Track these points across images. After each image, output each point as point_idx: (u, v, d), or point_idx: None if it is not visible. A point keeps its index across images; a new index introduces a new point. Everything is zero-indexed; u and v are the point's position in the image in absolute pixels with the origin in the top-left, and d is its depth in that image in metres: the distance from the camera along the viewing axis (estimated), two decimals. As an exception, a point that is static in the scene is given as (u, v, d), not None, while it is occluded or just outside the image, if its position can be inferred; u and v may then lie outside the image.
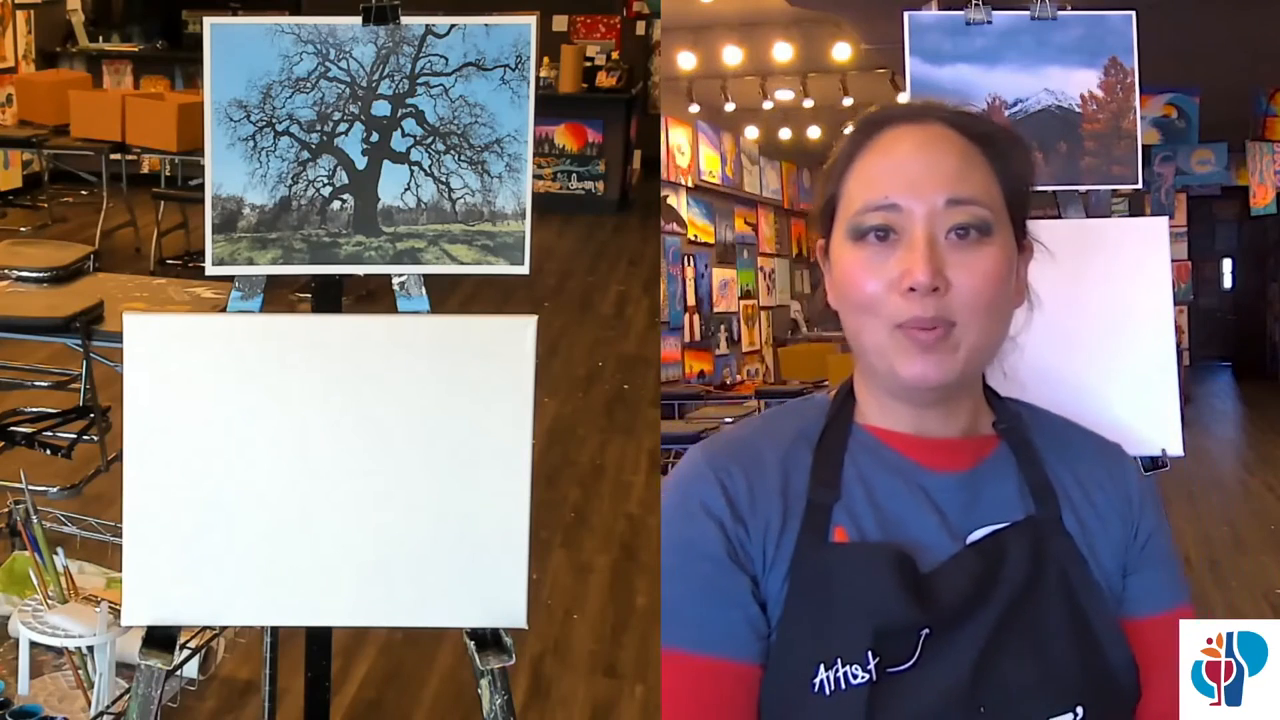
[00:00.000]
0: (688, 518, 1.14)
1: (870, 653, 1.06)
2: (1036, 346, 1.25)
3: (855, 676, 1.06)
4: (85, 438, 3.34)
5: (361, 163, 1.78)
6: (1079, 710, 1.09)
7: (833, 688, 1.06)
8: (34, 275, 3.38)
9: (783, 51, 8.22)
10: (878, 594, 1.08)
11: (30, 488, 2.62)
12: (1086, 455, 1.23)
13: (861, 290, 1.12)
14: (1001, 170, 1.15)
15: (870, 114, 1.19)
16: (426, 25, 1.76)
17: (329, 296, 1.89)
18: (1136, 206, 7.74)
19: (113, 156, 6.99)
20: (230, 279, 1.80)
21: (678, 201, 10.13)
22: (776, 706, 1.09)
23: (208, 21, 1.73)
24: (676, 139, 9.97)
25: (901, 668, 1.07)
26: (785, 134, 11.28)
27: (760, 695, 1.10)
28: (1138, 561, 1.20)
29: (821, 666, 1.07)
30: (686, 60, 8.52)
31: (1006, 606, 1.10)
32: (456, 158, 1.79)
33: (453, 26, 1.76)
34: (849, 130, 1.19)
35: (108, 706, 2.47)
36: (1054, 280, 1.25)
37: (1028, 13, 1.96)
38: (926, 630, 1.08)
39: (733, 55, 8.28)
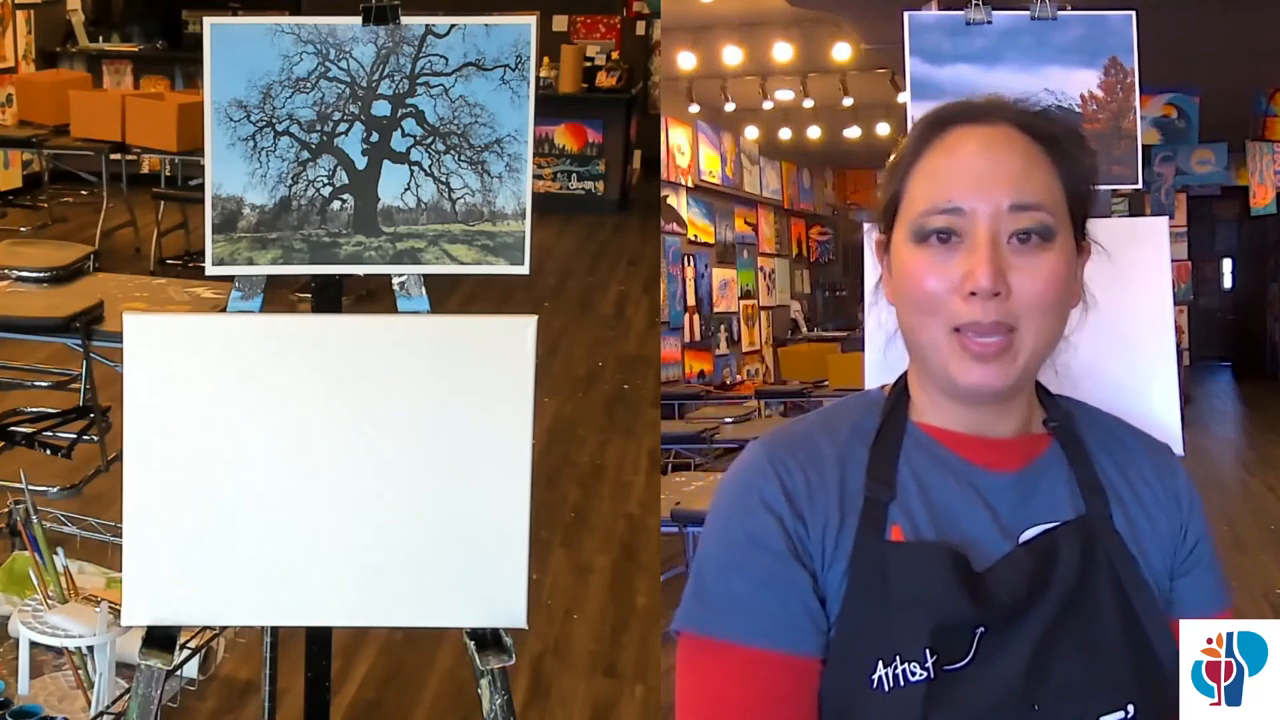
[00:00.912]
0: (747, 512, 1.14)
1: (928, 650, 1.07)
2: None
3: (914, 674, 1.06)
4: (85, 438, 3.34)
5: (361, 163, 1.78)
6: (1130, 709, 1.10)
7: (891, 684, 1.07)
8: (34, 275, 3.38)
9: (783, 51, 8.23)
10: (935, 592, 1.08)
11: (30, 488, 2.62)
12: (1136, 454, 1.24)
13: (922, 290, 1.12)
14: (1065, 172, 1.15)
15: (936, 111, 1.18)
16: (426, 25, 1.76)
17: (329, 296, 1.89)
18: (1136, 206, 7.75)
19: (113, 156, 6.99)
20: (230, 279, 1.80)
21: (678, 201, 10.14)
22: (835, 702, 1.09)
23: (208, 21, 1.73)
24: (676, 139, 9.98)
25: (957, 665, 1.08)
26: (785, 134, 11.30)
27: (819, 690, 1.10)
28: (1185, 564, 1.20)
29: (880, 663, 1.07)
30: (686, 60, 8.52)
31: (1060, 606, 1.11)
32: (456, 158, 1.79)
33: (453, 26, 1.76)
34: (914, 126, 1.19)
35: (108, 706, 2.47)
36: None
37: (1028, 13, 1.96)
38: (982, 629, 1.09)
39: (733, 55, 8.28)
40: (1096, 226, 1.23)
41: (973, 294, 1.09)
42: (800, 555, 1.12)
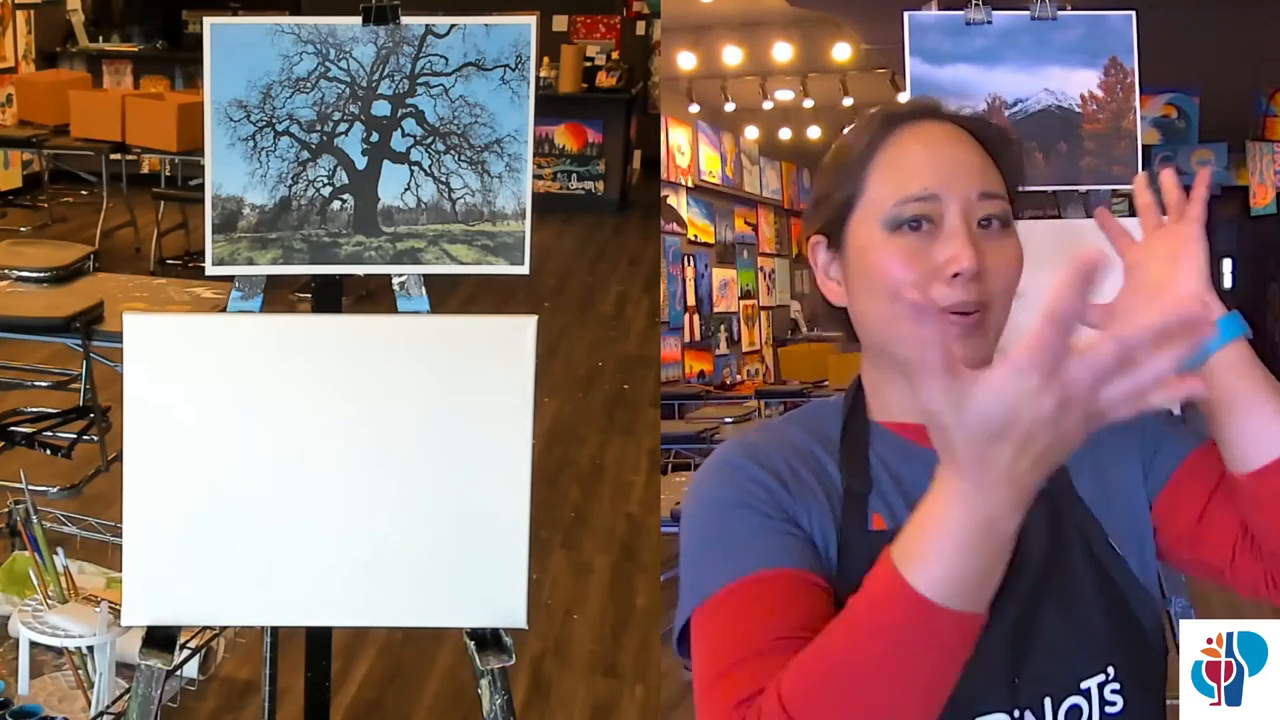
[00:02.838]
0: (732, 485, 1.14)
1: None
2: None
3: None
4: (85, 438, 3.34)
5: (361, 163, 1.78)
6: (1110, 670, 1.11)
7: None
8: (34, 275, 3.39)
9: (783, 51, 8.23)
10: None
11: (30, 488, 2.62)
12: None
13: (897, 280, 1.14)
14: (1005, 170, 1.19)
15: (887, 110, 1.21)
16: (426, 25, 1.76)
17: (329, 296, 1.89)
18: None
19: (113, 156, 7.00)
20: (230, 279, 1.80)
21: (678, 201, 10.14)
22: None
23: (208, 21, 1.73)
24: (676, 139, 9.98)
25: None
26: (785, 134, 11.30)
27: None
28: (1155, 443, 1.23)
29: None
30: (686, 60, 8.53)
31: (1034, 579, 1.12)
32: (456, 158, 1.79)
33: (453, 26, 1.76)
34: (862, 127, 1.21)
35: (108, 706, 2.47)
36: (1053, 280, 1.25)
37: (1028, 13, 1.96)
38: None
39: (733, 55, 8.29)
40: (1098, 226, 1.25)
41: (955, 275, 1.11)
42: (790, 513, 1.12)
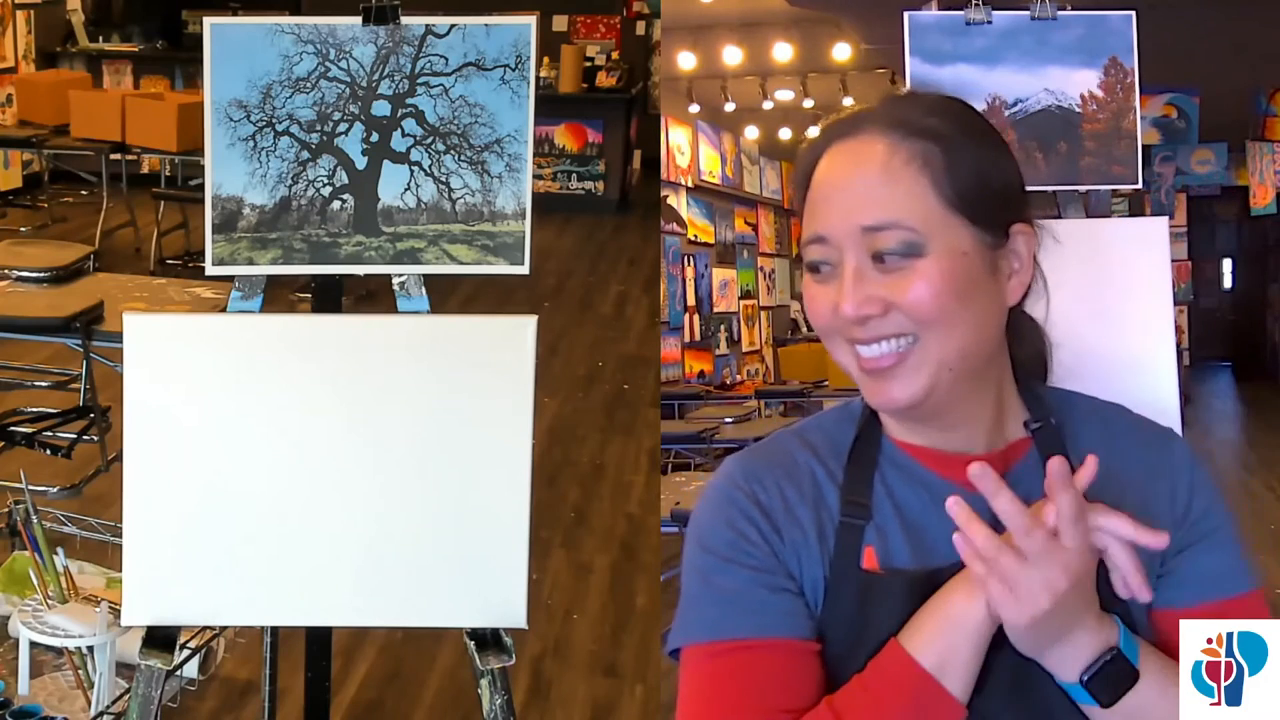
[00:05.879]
0: (726, 525, 1.13)
1: None
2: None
3: None
4: (85, 438, 3.34)
5: (361, 163, 1.78)
6: None
7: None
8: (34, 275, 3.39)
9: (783, 51, 8.23)
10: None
11: (30, 488, 2.62)
12: (1128, 444, 1.17)
13: (816, 317, 1.13)
14: (946, 169, 1.07)
15: (822, 131, 1.16)
16: (426, 25, 1.76)
17: (329, 296, 1.89)
18: (1136, 206, 7.76)
19: (113, 156, 6.99)
20: (230, 279, 1.80)
21: (678, 201, 10.14)
22: None
23: (208, 21, 1.73)
24: (676, 139, 9.97)
25: None
26: (785, 134, 11.29)
27: None
28: (1189, 536, 1.13)
29: None
30: (686, 60, 8.52)
31: None
32: (456, 158, 1.79)
33: (453, 26, 1.76)
34: (808, 144, 1.17)
35: (108, 706, 2.47)
36: (1053, 281, 1.25)
37: (1028, 13, 1.96)
38: None
39: (733, 55, 8.29)
40: (1098, 227, 1.23)
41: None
42: (783, 562, 1.11)
